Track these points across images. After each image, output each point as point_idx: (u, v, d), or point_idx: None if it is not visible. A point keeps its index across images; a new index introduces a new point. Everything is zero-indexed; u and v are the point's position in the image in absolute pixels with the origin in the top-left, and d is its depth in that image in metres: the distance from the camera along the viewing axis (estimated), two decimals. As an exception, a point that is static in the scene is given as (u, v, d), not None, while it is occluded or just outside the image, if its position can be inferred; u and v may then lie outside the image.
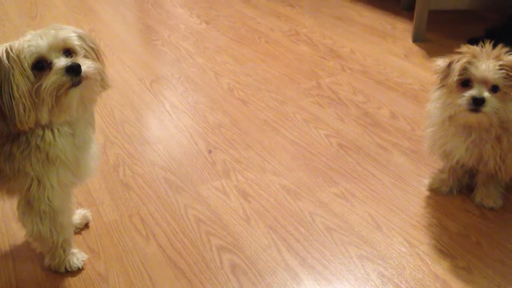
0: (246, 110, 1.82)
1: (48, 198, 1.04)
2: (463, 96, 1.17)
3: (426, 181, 1.41)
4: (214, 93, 1.95)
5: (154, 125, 1.78)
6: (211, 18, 2.77)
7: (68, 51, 0.98)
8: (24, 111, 0.93)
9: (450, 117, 1.22)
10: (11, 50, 0.93)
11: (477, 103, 1.16)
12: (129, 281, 1.13)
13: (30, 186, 1.02)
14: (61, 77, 0.93)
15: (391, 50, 2.28)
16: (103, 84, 1.04)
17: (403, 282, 1.11)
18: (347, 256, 1.19)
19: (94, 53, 1.03)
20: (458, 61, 1.19)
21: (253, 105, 1.86)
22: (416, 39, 2.35)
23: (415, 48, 2.30)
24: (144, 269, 1.16)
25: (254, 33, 2.55)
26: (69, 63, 0.94)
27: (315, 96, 1.91)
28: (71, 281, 1.13)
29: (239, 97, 1.91)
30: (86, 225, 1.28)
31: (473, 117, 1.18)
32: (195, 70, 2.15)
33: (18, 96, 0.92)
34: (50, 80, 0.93)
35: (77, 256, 1.16)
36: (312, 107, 1.83)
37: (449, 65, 1.21)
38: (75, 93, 0.96)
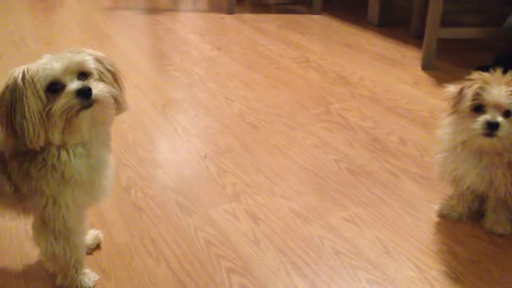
0: (256, 134, 1.85)
1: (63, 217, 1.06)
2: (477, 121, 1.19)
3: (436, 207, 1.42)
4: (225, 118, 1.98)
5: (165, 148, 1.81)
6: (223, 45, 2.83)
7: (84, 74, 1.01)
8: (34, 131, 0.96)
9: (464, 142, 1.24)
10: (27, 72, 0.96)
11: (492, 128, 1.17)
12: (139, 302, 1.14)
13: (46, 205, 1.05)
14: (71, 99, 0.96)
15: (400, 78, 2.31)
16: (118, 107, 1.07)
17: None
18: (356, 280, 1.19)
19: (112, 76, 1.06)
20: (470, 87, 1.21)
21: (264, 130, 1.88)
22: (425, 67, 2.38)
23: (424, 75, 2.33)
24: (154, 290, 1.17)
25: (265, 59, 2.59)
26: (79, 86, 0.97)
27: (325, 121, 1.93)
28: (82, 301, 1.14)
29: (249, 122, 1.94)
30: (98, 246, 1.30)
31: (487, 142, 1.20)
32: (206, 95, 2.19)
33: (29, 116, 0.95)
34: (60, 102, 0.96)
35: (89, 276, 1.17)
36: (322, 132, 1.85)
37: (461, 91, 1.23)
38: (85, 115, 0.98)
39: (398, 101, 2.07)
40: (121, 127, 1.89)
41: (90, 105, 0.98)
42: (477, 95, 1.20)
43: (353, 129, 1.87)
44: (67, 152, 1.01)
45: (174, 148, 1.79)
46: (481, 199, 1.37)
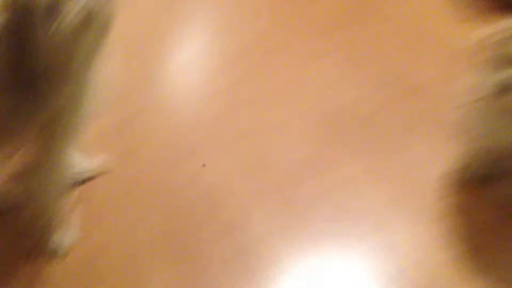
0: (270, 61, 1.69)
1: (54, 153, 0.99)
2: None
3: (445, 166, 1.30)
4: (243, 39, 1.81)
5: (175, 76, 1.69)
6: None
7: None
8: None
9: (496, 93, 1.10)
10: None
11: None
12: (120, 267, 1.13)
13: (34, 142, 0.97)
14: None
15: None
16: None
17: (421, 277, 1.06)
18: (348, 247, 1.14)
19: None
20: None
21: (279, 56, 1.72)
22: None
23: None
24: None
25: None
26: None
27: (347, 51, 1.75)
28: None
29: (266, 45, 1.77)
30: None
31: None
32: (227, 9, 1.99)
33: None
34: None
35: (68, 235, 1.11)
36: (345, 65, 1.68)
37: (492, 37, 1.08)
38: None
39: (422, 30, 1.83)
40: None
41: None
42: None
43: (378, 62, 1.68)
44: None
45: (183, 74, 1.67)
46: (499, 161, 1.25)
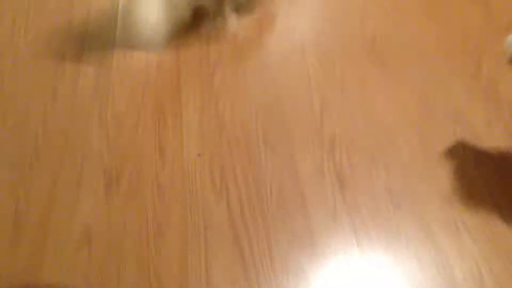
0: (379, 74, 1.53)
1: None
2: None
3: None
4: (351, 39, 1.66)
5: (272, 43, 1.56)
6: None
7: None
8: None
9: None
10: None
11: None
12: (185, 239, 1.02)
13: None
14: None
15: None
16: None
17: None
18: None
19: None
20: None
21: (390, 69, 1.56)
22: None
23: None
24: (204, 230, 1.04)
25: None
26: None
27: (468, 84, 1.56)
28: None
29: (378, 52, 1.61)
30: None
31: None
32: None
33: None
34: None
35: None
36: (462, 97, 1.50)
37: None
38: None
39: None
40: None
41: None
42: None
43: (499, 101, 1.49)
44: None
45: (281, 49, 1.54)
46: None
